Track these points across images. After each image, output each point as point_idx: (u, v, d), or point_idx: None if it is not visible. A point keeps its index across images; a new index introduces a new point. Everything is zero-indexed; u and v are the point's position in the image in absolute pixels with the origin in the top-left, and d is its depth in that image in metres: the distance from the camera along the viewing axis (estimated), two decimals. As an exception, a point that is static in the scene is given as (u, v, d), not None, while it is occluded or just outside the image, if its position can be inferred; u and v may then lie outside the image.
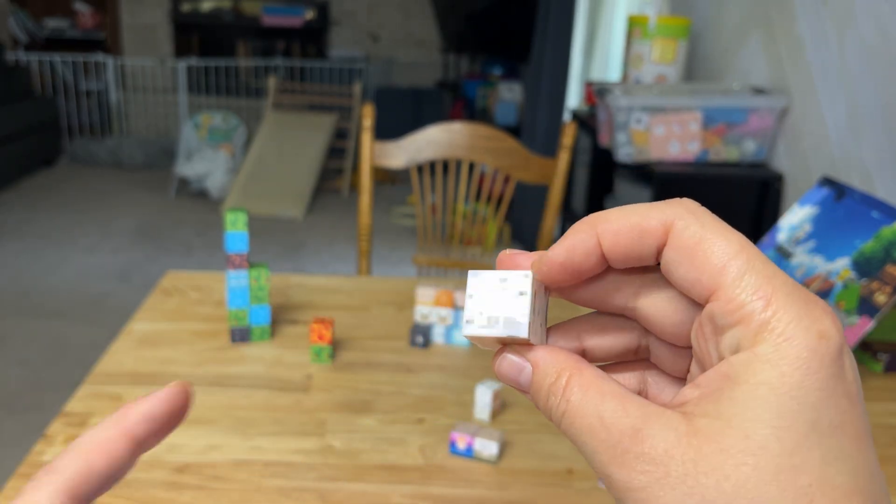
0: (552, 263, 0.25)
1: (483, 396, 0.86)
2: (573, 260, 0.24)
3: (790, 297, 0.21)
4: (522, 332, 0.25)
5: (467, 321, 0.26)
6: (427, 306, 1.03)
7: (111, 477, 0.25)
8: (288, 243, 3.76)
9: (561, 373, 0.24)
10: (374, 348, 1.01)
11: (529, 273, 0.26)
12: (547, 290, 0.27)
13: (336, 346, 1.00)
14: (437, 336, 1.04)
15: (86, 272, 3.28)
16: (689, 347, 0.25)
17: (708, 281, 0.22)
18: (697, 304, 0.24)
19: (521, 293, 0.26)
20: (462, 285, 1.08)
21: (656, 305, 0.25)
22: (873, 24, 1.50)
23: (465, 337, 0.26)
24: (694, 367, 0.25)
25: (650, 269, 0.25)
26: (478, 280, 0.26)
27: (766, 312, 0.21)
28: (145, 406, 0.25)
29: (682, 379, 0.26)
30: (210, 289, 1.16)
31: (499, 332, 0.25)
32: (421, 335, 1.02)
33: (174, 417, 0.26)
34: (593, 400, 0.23)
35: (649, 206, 0.24)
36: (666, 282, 0.25)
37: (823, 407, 0.20)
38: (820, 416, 0.20)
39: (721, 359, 0.22)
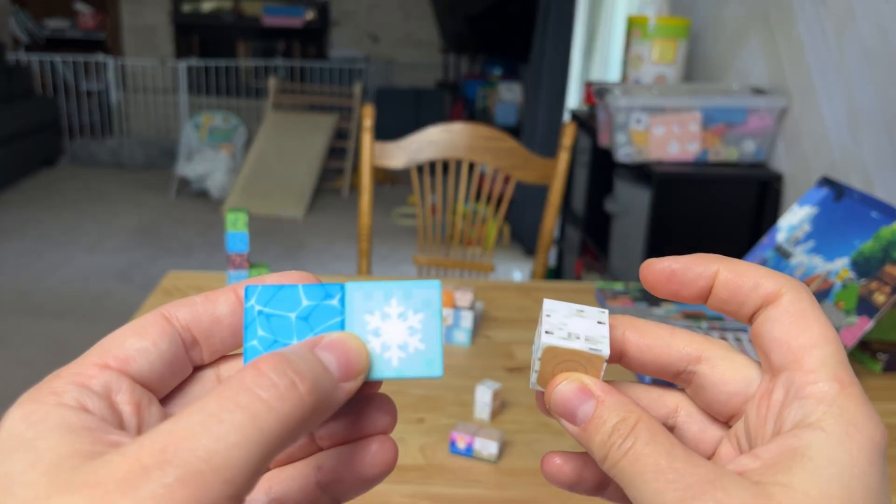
0: (665, 266, 0.27)
1: (483, 396, 0.86)
2: (686, 274, 0.26)
3: (860, 394, 0.23)
4: (604, 350, 0.25)
5: (547, 332, 0.26)
6: (427, 306, 1.03)
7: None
8: (288, 243, 3.76)
9: (629, 414, 0.24)
10: (375, 348, 1.01)
11: (606, 311, 0.27)
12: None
13: (336, 346, 1.01)
14: (437, 336, 1.04)
15: (87, 272, 3.29)
16: (725, 424, 0.27)
17: (797, 349, 0.24)
18: (755, 379, 0.26)
19: (600, 322, 0.26)
20: (462, 285, 1.08)
21: (716, 372, 0.26)
22: (873, 24, 1.50)
23: (545, 345, 0.25)
24: (725, 447, 0.26)
25: (713, 340, 0.27)
26: (554, 305, 0.27)
27: (840, 397, 0.23)
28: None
29: None
30: (210, 289, 1.16)
31: (580, 346, 0.25)
32: (421, 335, 1.02)
33: None
34: (663, 443, 0.23)
35: (772, 271, 0.26)
36: (729, 353, 0.26)
37: (882, 493, 0.22)
38: (879, 501, 0.22)
39: (778, 431, 0.23)
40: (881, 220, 1.00)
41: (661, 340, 0.27)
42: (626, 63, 2.15)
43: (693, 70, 2.29)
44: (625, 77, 2.15)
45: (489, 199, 3.19)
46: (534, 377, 0.27)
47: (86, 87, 5.43)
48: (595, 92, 1.95)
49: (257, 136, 4.55)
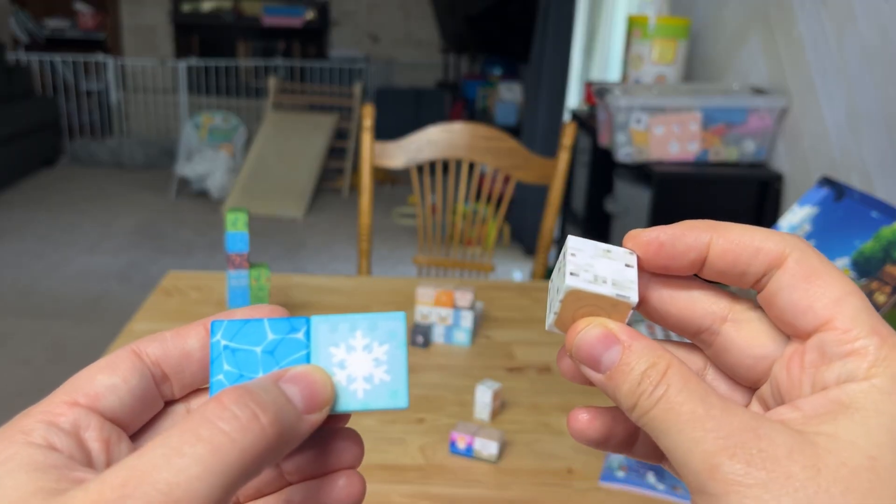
0: (652, 238, 0.25)
1: (483, 396, 0.86)
2: (674, 246, 0.24)
3: None
4: (633, 296, 0.24)
5: (571, 273, 0.24)
6: (427, 306, 1.03)
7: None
8: (288, 243, 3.76)
9: (659, 360, 0.23)
10: (375, 348, 1.01)
11: (635, 253, 0.25)
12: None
13: (336, 345, 1.00)
14: (437, 336, 1.04)
15: (86, 272, 3.29)
16: (750, 388, 0.26)
17: (822, 310, 0.23)
18: (783, 341, 0.24)
19: (628, 265, 0.25)
20: (461, 285, 1.08)
21: (742, 334, 0.25)
22: (873, 23, 1.50)
23: (568, 288, 0.24)
24: (756, 405, 0.25)
25: (739, 299, 0.26)
26: (579, 244, 0.25)
27: (882, 350, 0.22)
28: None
29: None
30: (210, 289, 1.17)
31: (607, 290, 0.24)
32: (421, 335, 1.02)
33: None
34: (697, 390, 0.22)
35: (768, 230, 0.24)
36: (756, 314, 0.25)
37: None
38: None
39: (823, 388, 0.22)
40: (881, 220, 1.00)
41: (687, 293, 0.26)
42: (626, 63, 2.15)
43: (693, 70, 2.29)
44: (625, 77, 2.15)
45: (489, 199, 3.19)
46: (551, 318, 0.26)
47: (86, 86, 5.43)
48: (595, 92, 1.95)
49: (257, 135, 4.55)
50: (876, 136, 1.49)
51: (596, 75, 3.42)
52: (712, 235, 0.24)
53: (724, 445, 0.21)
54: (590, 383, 0.25)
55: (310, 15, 5.70)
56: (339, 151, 4.83)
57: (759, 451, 0.20)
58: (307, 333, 0.25)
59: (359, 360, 0.24)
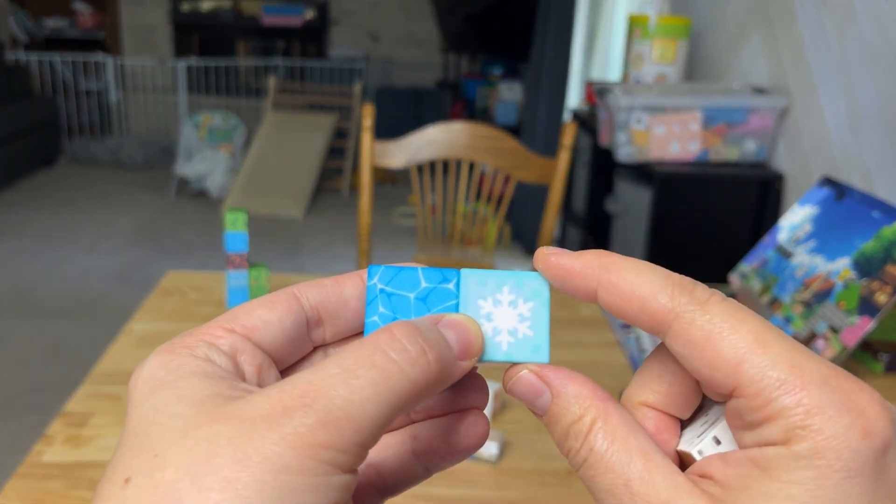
0: (555, 263, 0.24)
1: (483, 396, 0.86)
2: (565, 282, 0.24)
3: (824, 389, 0.19)
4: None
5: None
6: (427, 306, 1.03)
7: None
8: (288, 243, 3.76)
9: (585, 412, 0.22)
10: (374, 348, 1.01)
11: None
12: None
13: (336, 346, 1.00)
14: (438, 336, 1.04)
15: (86, 272, 3.28)
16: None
17: (724, 379, 0.21)
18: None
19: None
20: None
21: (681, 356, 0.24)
22: (873, 23, 1.50)
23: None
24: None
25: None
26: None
27: (797, 409, 0.19)
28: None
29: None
30: (210, 289, 1.16)
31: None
32: (421, 335, 1.02)
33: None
34: (619, 456, 0.21)
35: (662, 278, 0.22)
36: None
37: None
38: None
39: (751, 444, 0.21)
40: (882, 219, 1.00)
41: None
42: (626, 62, 2.15)
43: (694, 69, 2.29)
44: (625, 76, 2.15)
45: (489, 198, 3.18)
46: None
47: (85, 86, 5.43)
48: (596, 91, 1.95)
49: (257, 135, 4.55)
50: (877, 136, 1.49)
51: (596, 75, 3.42)
52: (598, 286, 0.23)
53: None
54: None
55: (309, 14, 5.70)
56: (339, 151, 4.83)
57: None
58: (457, 285, 0.26)
59: (504, 315, 0.25)
